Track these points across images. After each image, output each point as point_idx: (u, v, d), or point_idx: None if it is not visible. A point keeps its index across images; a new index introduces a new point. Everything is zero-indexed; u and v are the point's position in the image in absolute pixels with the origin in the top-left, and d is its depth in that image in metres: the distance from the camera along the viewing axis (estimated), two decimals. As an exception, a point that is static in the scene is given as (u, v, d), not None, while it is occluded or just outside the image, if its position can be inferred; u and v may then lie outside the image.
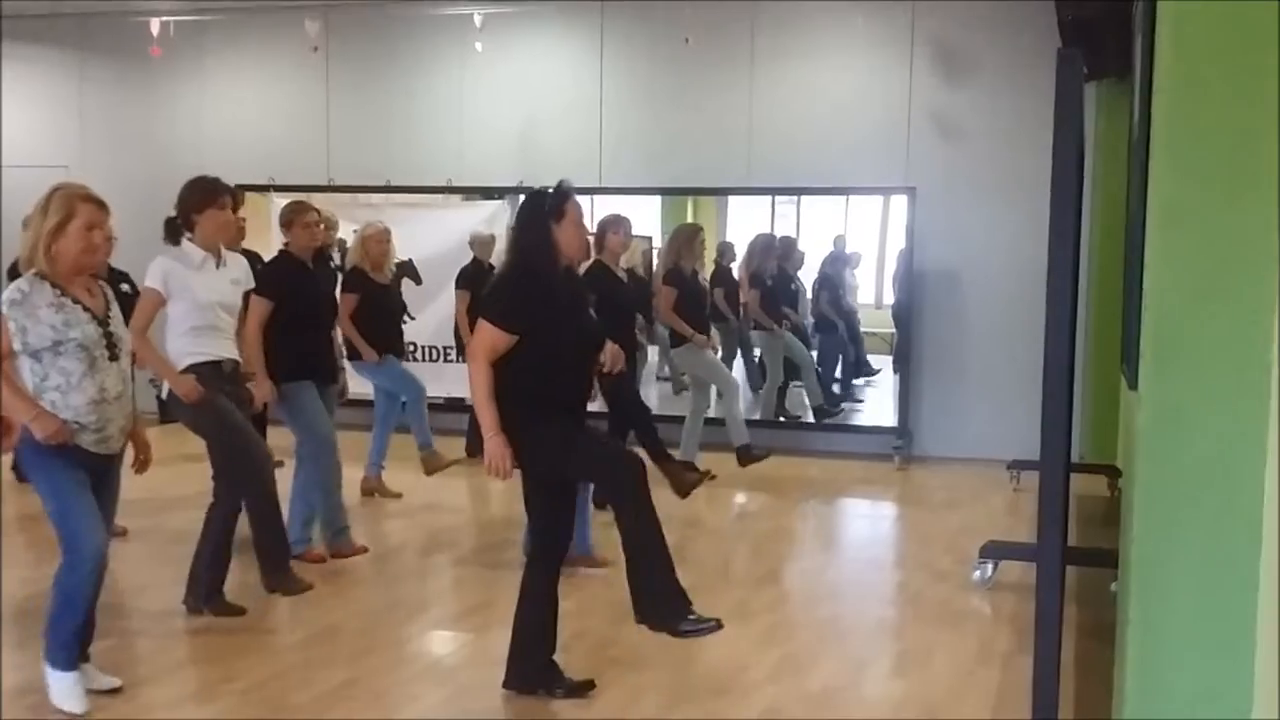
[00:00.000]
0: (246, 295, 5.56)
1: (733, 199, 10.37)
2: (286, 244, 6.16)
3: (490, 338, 4.11)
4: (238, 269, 5.30)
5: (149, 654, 4.81)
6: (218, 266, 5.16)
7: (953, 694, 4.46)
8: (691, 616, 4.07)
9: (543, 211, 4.25)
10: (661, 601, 4.08)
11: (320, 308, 6.20)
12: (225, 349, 5.20)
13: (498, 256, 9.17)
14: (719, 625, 4.09)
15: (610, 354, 4.70)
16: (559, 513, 4.35)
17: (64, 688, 4.16)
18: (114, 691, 4.28)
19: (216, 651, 4.81)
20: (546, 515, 4.33)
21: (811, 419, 9.80)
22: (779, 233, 10.16)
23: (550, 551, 4.35)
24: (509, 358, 4.11)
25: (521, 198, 4.52)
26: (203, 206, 5.08)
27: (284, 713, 4.18)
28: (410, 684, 4.50)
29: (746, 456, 8.12)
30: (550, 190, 4.33)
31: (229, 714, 4.17)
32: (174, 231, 5.16)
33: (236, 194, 5.34)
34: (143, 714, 4.21)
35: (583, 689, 4.34)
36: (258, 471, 5.11)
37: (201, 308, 5.07)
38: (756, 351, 10.08)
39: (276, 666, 4.62)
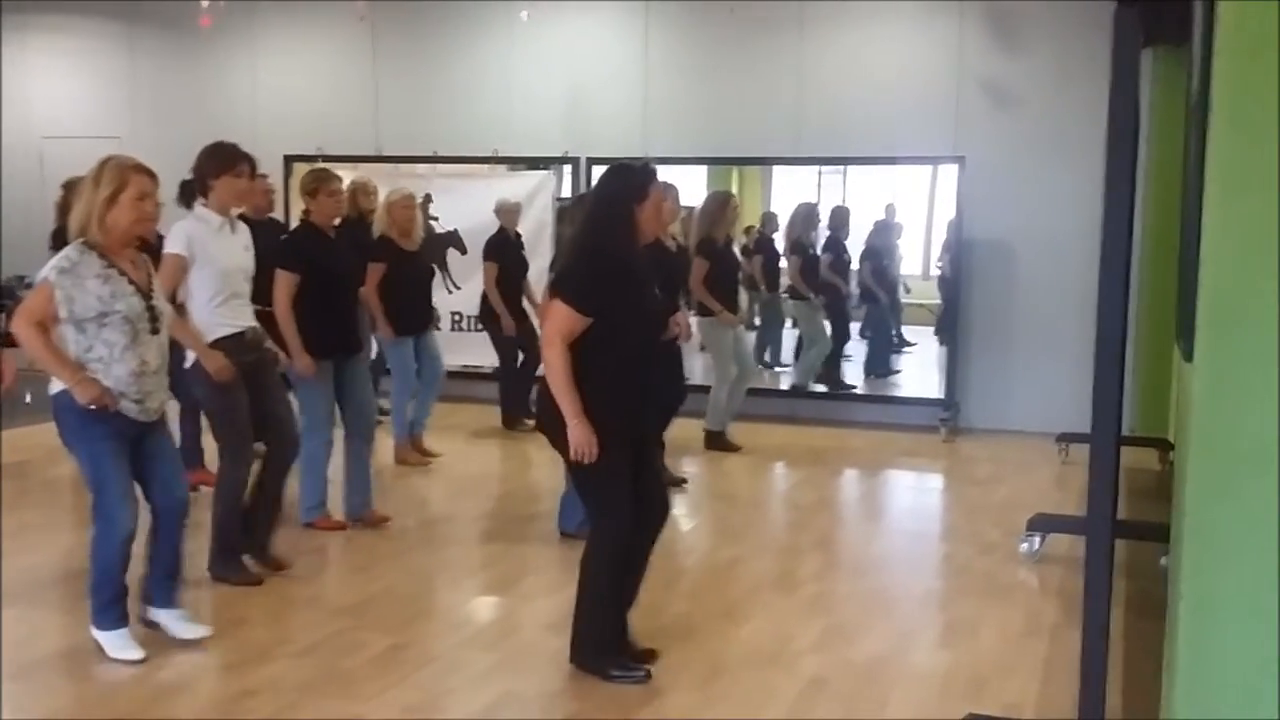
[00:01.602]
0: (270, 268, 5.61)
1: (778, 169, 10.32)
2: (308, 212, 6.09)
3: (567, 321, 4.04)
4: (246, 236, 5.29)
5: (205, 614, 4.88)
6: (232, 232, 5.19)
7: (999, 666, 4.45)
8: (617, 672, 4.21)
9: (627, 191, 4.17)
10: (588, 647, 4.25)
11: (343, 279, 6.10)
12: (247, 317, 5.23)
13: (528, 226, 9.20)
14: (647, 676, 4.21)
15: (682, 325, 4.61)
16: (631, 487, 4.21)
17: (116, 642, 4.33)
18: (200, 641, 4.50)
19: (267, 614, 4.88)
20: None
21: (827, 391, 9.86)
22: (830, 202, 10.11)
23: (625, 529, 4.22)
24: (581, 338, 4.05)
25: (605, 170, 4.35)
26: (219, 172, 5.09)
27: (336, 675, 4.25)
28: (460, 649, 4.55)
29: (714, 442, 8.19)
30: (636, 167, 4.26)
31: (286, 675, 4.24)
32: (189, 195, 5.18)
33: (254, 162, 5.34)
34: (202, 673, 4.31)
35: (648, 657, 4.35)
36: (239, 471, 5.19)
37: (224, 273, 5.08)
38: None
39: (329, 629, 4.69)
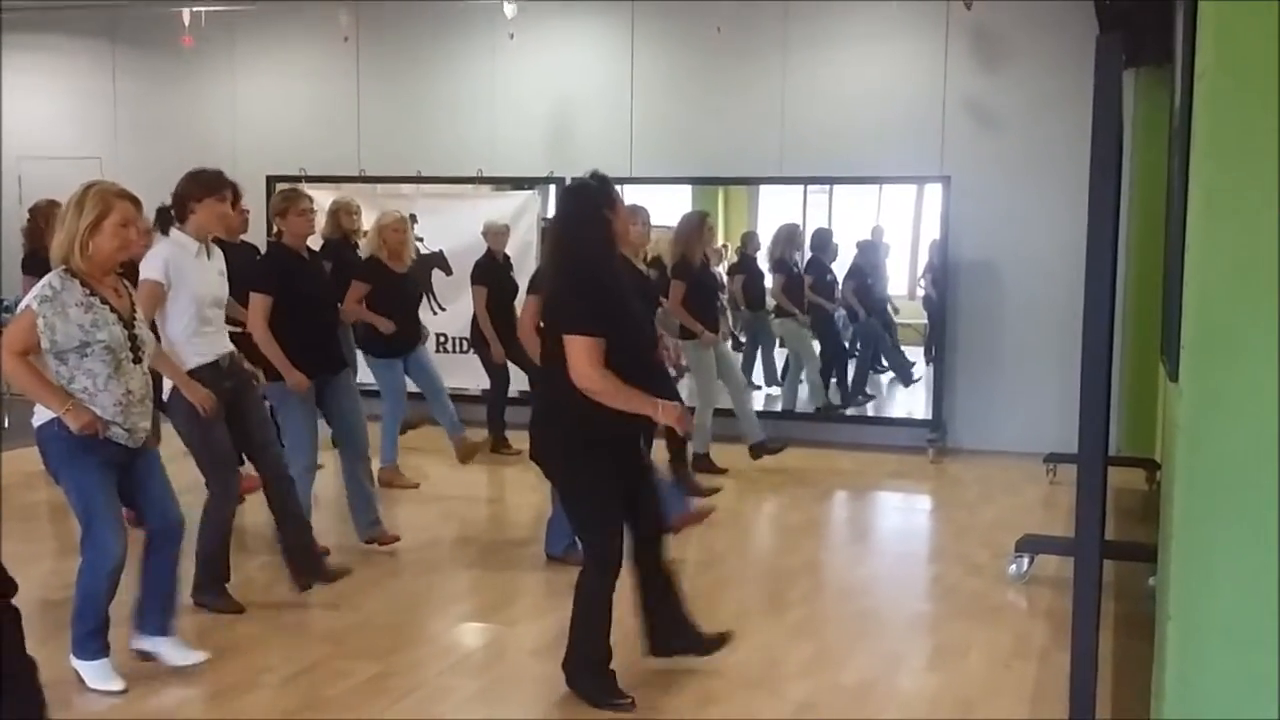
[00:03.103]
0: (245, 292, 5.59)
1: (764, 188, 10.31)
2: (280, 234, 6.05)
3: (590, 350, 3.95)
4: (220, 261, 5.23)
5: (186, 641, 4.83)
6: (208, 258, 5.13)
7: (988, 689, 4.42)
8: (615, 700, 4.16)
9: (596, 199, 4.12)
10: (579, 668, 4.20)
11: (320, 298, 6.08)
12: (222, 344, 5.15)
13: (513, 246, 9.17)
14: (632, 705, 4.15)
15: (671, 350, 4.56)
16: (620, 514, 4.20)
17: (98, 673, 4.26)
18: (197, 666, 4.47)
19: (250, 642, 4.83)
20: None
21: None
22: (814, 222, 10.10)
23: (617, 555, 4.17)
24: (559, 358, 4.00)
25: (559, 189, 4.35)
26: (203, 196, 5.03)
27: (320, 704, 4.20)
28: (444, 677, 4.50)
29: (700, 464, 8.06)
30: (591, 180, 4.19)
31: (268, 704, 4.19)
32: (166, 221, 5.06)
33: (238, 189, 5.29)
34: (184, 703, 4.25)
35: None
36: (227, 501, 5.14)
37: (199, 300, 5.00)
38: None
39: (311, 658, 4.64)
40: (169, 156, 10.57)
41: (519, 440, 8.62)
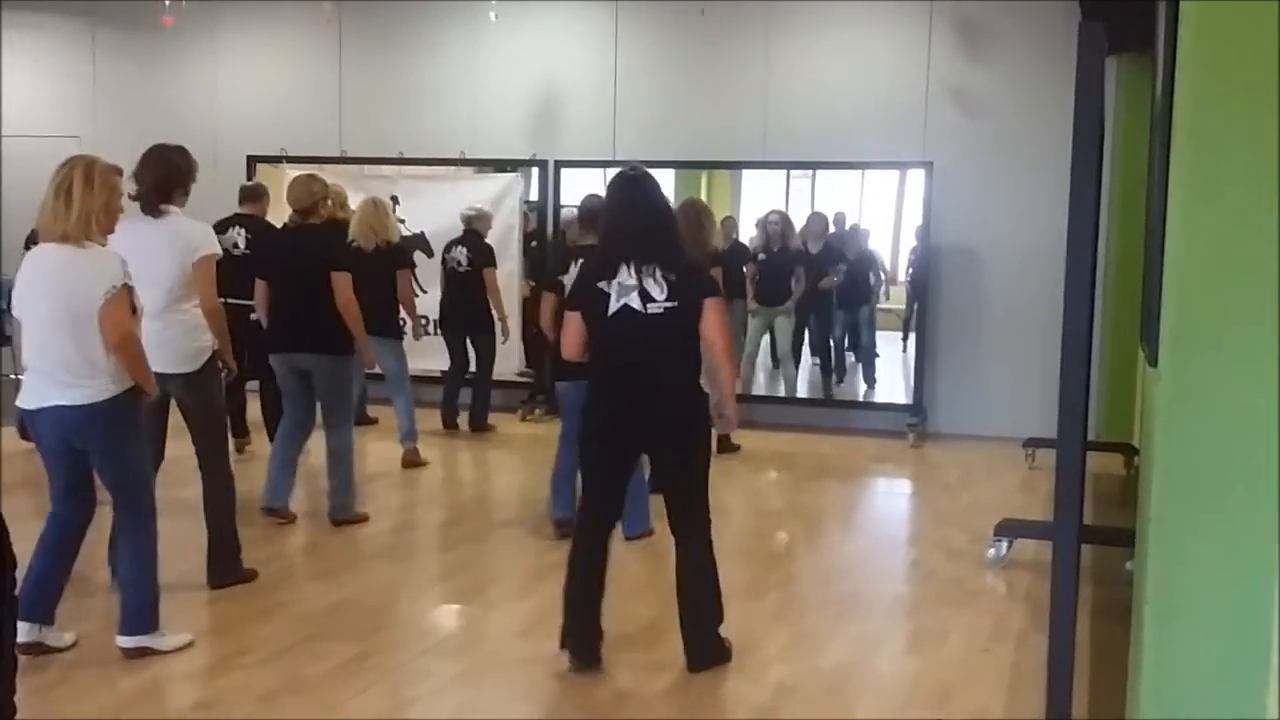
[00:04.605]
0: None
1: (747, 172, 10.31)
2: (307, 214, 6.14)
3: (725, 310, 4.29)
4: None
5: (162, 624, 4.81)
6: None
7: (966, 672, 4.45)
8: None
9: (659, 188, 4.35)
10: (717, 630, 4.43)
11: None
12: None
13: (496, 229, 9.18)
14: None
15: None
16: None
17: (165, 637, 4.41)
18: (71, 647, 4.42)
19: (230, 623, 4.82)
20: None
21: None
22: (800, 206, 10.06)
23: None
24: (697, 338, 4.22)
25: (627, 179, 4.32)
26: (193, 177, 5.08)
27: (298, 685, 4.19)
28: (424, 659, 4.50)
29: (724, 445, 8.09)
30: (638, 167, 4.40)
31: (244, 685, 4.18)
32: (153, 203, 4.92)
33: None
34: (162, 682, 4.23)
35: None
36: (229, 468, 5.20)
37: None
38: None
39: (290, 639, 4.62)
40: (149, 136, 10.33)
41: (499, 421, 8.63)
